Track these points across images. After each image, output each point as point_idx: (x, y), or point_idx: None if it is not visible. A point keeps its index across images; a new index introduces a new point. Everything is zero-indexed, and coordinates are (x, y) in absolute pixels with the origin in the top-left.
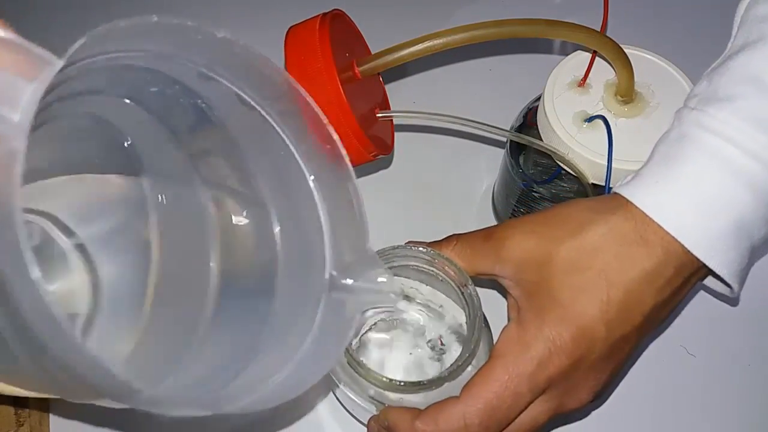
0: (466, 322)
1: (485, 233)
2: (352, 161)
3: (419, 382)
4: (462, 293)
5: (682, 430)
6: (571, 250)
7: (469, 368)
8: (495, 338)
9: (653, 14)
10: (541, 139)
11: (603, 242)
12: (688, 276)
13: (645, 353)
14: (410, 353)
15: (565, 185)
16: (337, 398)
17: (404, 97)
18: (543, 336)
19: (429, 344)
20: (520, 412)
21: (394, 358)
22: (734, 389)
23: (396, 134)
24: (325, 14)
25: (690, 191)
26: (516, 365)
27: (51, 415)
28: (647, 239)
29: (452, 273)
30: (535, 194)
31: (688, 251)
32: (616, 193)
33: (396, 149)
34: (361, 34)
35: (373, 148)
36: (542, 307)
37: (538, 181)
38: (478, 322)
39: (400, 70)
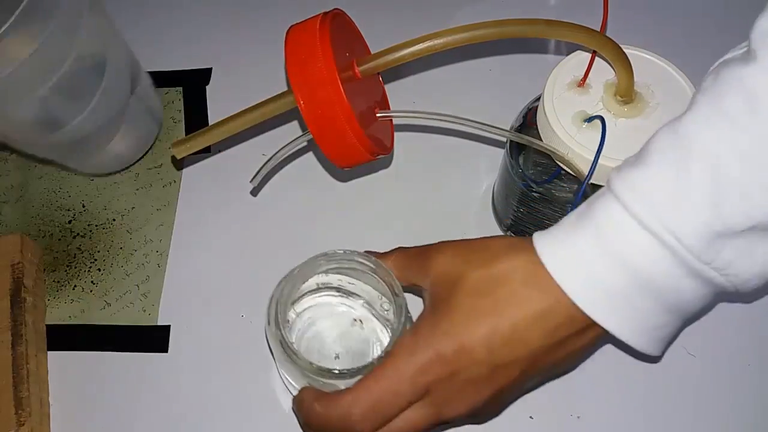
0: (391, 328)
1: (421, 249)
2: (352, 161)
3: (331, 369)
4: (394, 300)
5: (682, 430)
6: (479, 277)
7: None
8: None
9: (653, 14)
10: (541, 139)
11: (507, 277)
12: (583, 327)
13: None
14: (342, 340)
15: (564, 185)
16: (281, 377)
17: (404, 97)
18: (430, 345)
19: (355, 322)
20: (401, 410)
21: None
22: (734, 389)
23: (396, 134)
24: (325, 14)
25: (589, 250)
26: (402, 367)
27: (51, 415)
28: (542, 284)
29: (390, 282)
30: (535, 194)
31: (574, 303)
32: (526, 239)
33: (396, 149)
34: (361, 33)
35: (373, 147)
36: (438, 320)
37: (537, 181)
38: (402, 327)
39: (400, 70)
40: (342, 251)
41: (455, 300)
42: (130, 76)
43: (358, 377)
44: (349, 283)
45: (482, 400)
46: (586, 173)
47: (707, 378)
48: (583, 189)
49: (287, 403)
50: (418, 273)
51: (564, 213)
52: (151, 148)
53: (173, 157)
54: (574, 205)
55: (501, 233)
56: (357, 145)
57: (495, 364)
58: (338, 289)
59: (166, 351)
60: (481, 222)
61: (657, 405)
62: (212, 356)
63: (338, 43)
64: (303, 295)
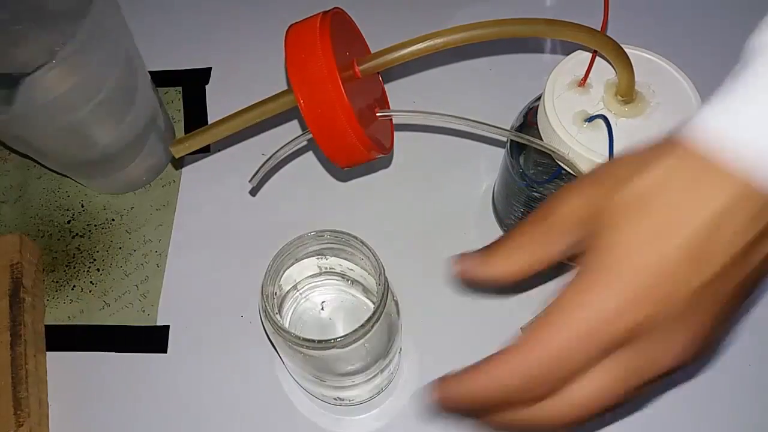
0: (374, 302)
1: (538, 215)
2: (352, 160)
3: (317, 339)
4: (378, 278)
5: (682, 430)
6: (627, 197)
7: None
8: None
9: (654, 14)
10: (542, 139)
11: (664, 185)
12: None
13: None
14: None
15: (565, 185)
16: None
17: (404, 97)
18: (609, 291)
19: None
20: (584, 370)
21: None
22: (735, 389)
23: (396, 134)
24: (325, 12)
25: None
26: (577, 322)
27: (49, 416)
28: (712, 176)
29: (374, 262)
30: (536, 194)
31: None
32: (665, 139)
33: (396, 149)
34: (361, 33)
35: (373, 146)
36: (605, 261)
37: (538, 181)
38: (382, 303)
39: (400, 70)
40: (330, 230)
41: (613, 233)
42: (152, 105)
43: (353, 346)
44: (349, 269)
45: (696, 334)
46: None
47: (708, 378)
48: None
49: (287, 403)
50: (547, 240)
51: None
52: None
53: (172, 156)
54: None
55: (501, 234)
56: (357, 144)
57: (695, 284)
58: (343, 276)
59: (165, 351)
60: (481, 222)
61: (657, 405)
62: (211, 357)
63: (338, 42)
64: (306, 277)
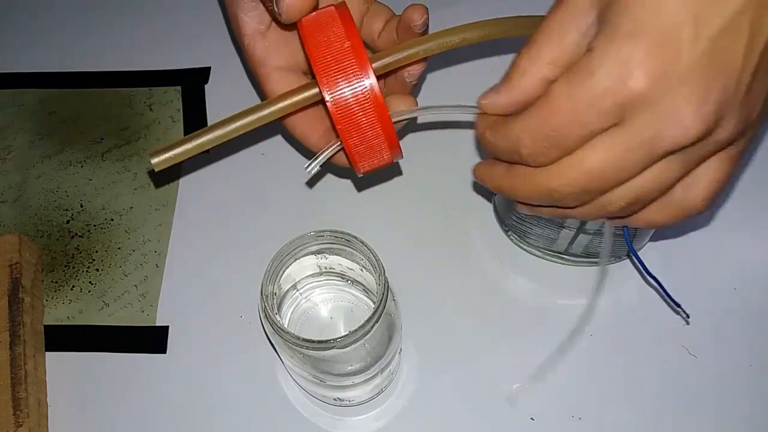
0: (374, 301)
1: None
2: (374, 162)
3: (317, 340)
4: (378, 278)
5: (683, 430)
6: None
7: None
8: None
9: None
10: None
11: None
12: None
13: (646, 353)
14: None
15: None
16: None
17: None
18: (609, 59)
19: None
20: (590, 137)
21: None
22: (736, 390)
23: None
24: (334, 5)
25: None
26: (579, 90)
27: (49, 416)
28: None
29: (374, 262)
30: None
31: None
32: None
33: None
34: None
35: (398, 146)
36: (608, 27)
37: None
38: (382, 303)
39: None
40: (330, 230)
41: (619, 6)
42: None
43: (353, 346)
44: (349, 269)
45: (706, 92)
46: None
47: (708, 378)
48: None
49: (287, 404)
50: (565, 27)
51: None
52: None
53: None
54: None
55: (502, 234)
56: (385, 145)
57: (706, 35)
58: (342, 276)
59: (165, 352)
60: (481, 222)
61: (658, 406)
62: (211, 357)
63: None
64: (306, 277)
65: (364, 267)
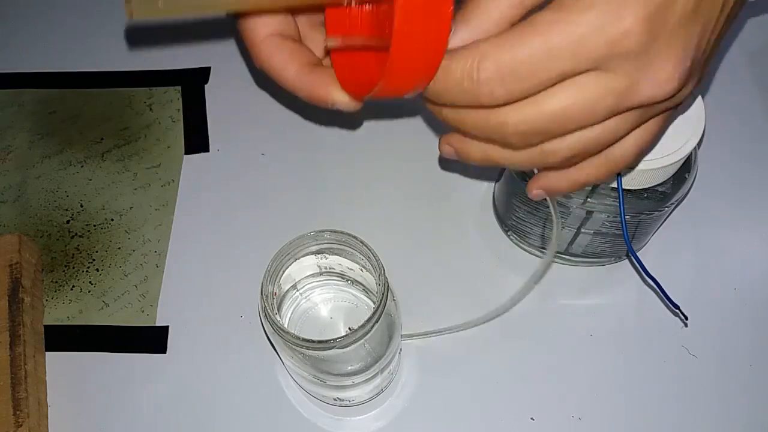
0: (374, 301)
1: None
2: (417, 79)
3: (317, 340)
4: (378, 278)
5: (683, 430)
6: None
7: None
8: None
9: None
10: None
11: None
12: None
13: (646, 353)
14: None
15: None
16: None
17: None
18: (597, 6)
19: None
20: (560, 80)
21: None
22: (736, 390)
23: (396, 134)
24: None
25: None
26: (566, 25)
27: (49, 416)
28: None
29: (374, 262)
30: None
31: None
32: None
33: (396, 149)
34: None
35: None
36: None
37: None
38: (382, 303)
39: None
40: (330, 230)
41: None
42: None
43: (353, 346)
44: (349, 269)
45: (692, 46)
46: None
47: (709, 378)
48: (621, 197)
49: (287, 404)
50: None
51: (566, 213)
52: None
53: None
54: (622, 215)
55: (502, 234)
56: (424, 72)
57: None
58: (342, 276)
59: (165, 352)
60: (481, 222)
61: (658, 406)
62: (211, 357)
63: None
64: (306, 276)
65: (364, 267)
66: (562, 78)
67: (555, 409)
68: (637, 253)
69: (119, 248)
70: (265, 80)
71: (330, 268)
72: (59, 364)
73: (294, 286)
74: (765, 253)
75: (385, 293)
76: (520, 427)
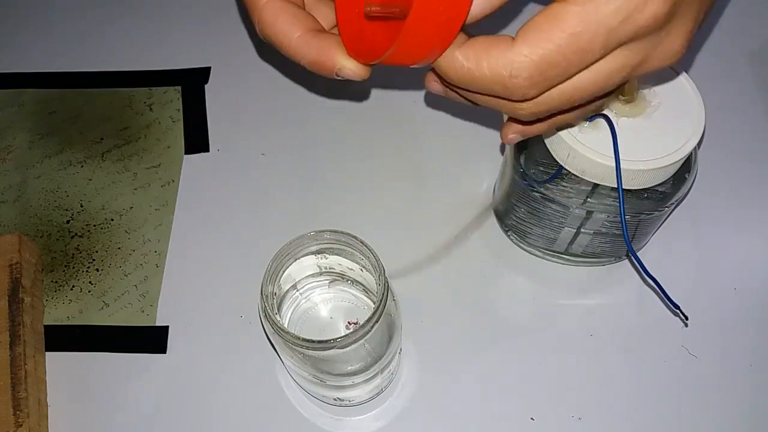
0: (375, 300)
1: None
2: (434, 47)
3: (317, 340)
4: (378, 278)
5: (683, 430)
6: None
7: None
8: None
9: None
10: (543, 140)
11: None
12: None
13: (646, 353)
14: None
15: (566, 185)
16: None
17: (403, 99)
18: None
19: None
20: (582, 71)
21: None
22: (736, 390)
23: (396, 133)
24: None
25: None
26: (596, 16)
27: (49, 416)
28: None
29: (374, 262)
30: (537, 194)
31: None
32: None
33: (396, 148)
34: None
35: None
36: None
37: (539, 181)
38: (382, 303)
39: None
40: (330, 230)
41: None
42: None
43: (353, 346)
44: (349, 269)
45: (696, 21)
46: (589, 173)
47: (709, 378)
48: (621, 197)
49: (287, 404)
50: None
51: (566, 212)
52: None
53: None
54: (622, 215)
55: (502, 234)
56: (442, 38)
57: None
58: (342, 276)
59: (165, 352)
60: (481, 222)
61: (658, 406)
62: (211, 357)
63: None
64: (306, 277)
65: (364, 267)
66: (594, 62)
67: (555, 409)
68: (637, 253)
69: (119, 248)
70: (269, 52)
71: (330, 268)
72: (59, 364)
73: (294, 286)
74: (765, 253)
75: (385, 293)
76: (520, 427)
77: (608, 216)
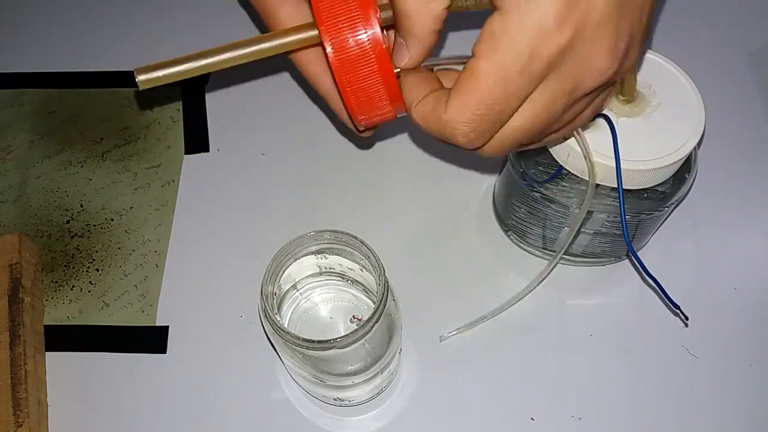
0: (375, 299)
1: None
2: (374, 114)
3: (317, 340)
4: (378, 278)
5: (683, 430)
6: None
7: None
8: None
9: (654, 12)
10: None
11: None
12: None
13: (646, 353)
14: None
15: (566, 185)
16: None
17: None
18: (529, 20)
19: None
20: (520, 105)
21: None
22: (736, 390)
23: (396, 134)
24: None
25: None
26: (504, 63)
27: (49, 416)
28: None
29: (374, 262)
30: (537, 194)
31: None
32: None
33: (396, 148)
34: None
35: (401, 99)
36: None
37: (539, 181)
38: (382, 303)
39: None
40: (330, 230)
41: None
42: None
43: (353, 346)
44: (349, 269)
45: (623, 34)
46: (589, 173)
47: (709, 378)
48: (621, 197)
49: (287, 404)
50: None
51: (566, 213)
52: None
53: (138, 93)
54: (622, 215)
55: (502, 234)
56: (386, 97)
57: None
58: (342, 276)
59: (165, 352)
60: (481, 222)
61: (658, 406)
62: (211, 357)
63: None
64: (306, 277)
65: (364, 267)
66: (523, 101)
67: (555, 409)
68: (637, 253)
69: (119, 248)
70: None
71: (330, 268)
72: (59, 364)
73: (294, 286)
74: (765, 253)
75: (385, 293)
76: (520, 427)
77: (608, 216)
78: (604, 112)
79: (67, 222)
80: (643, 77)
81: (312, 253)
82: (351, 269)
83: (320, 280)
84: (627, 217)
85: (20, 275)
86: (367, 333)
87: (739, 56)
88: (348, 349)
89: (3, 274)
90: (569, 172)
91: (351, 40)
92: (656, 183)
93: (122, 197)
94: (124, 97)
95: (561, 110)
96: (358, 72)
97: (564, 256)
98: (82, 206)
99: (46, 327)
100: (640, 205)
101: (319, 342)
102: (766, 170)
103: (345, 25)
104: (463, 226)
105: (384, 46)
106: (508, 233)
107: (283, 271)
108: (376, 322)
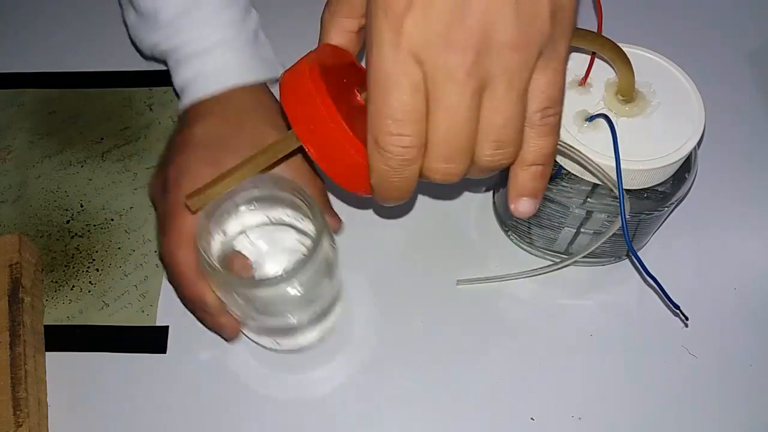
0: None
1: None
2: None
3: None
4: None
5: (683, 430)
6: None
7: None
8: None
9: (655, 13)
10: None
11: None
12: None
13: (646, 353)
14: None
15: (566, 185)
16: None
17: None
18: (389, 59)
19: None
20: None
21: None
22: (736, 390)
23: None
24: (311, 53)
25: None
26: (385, 108)
27: (49, 416)
28: None
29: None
30: None
31: None
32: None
33: None
34: (352, 58)
35: None
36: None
37: None
38: (317, 248)
39: None
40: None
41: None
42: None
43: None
44: (296, 220)
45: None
46: (589, 172)
47: (709, 378)
48: (621, 198)
49: (287, 404)
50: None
51: (566, 213)
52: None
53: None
54: (622, 215)
55: (502, 234)
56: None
57: None
58: (293, 227)
59: (165, 351)
60: (481, 222)
61: (658, 406)
62: (211, 357)
63: (332, 75)
64: (251, 225)
65: (305, 215)
66: (421, 114)
67: (555, 409)
68: (638, 253)
69: (119, 248)
70: None
71: (273, 218)
72: (59, 364)
73: (243, 233)
74: (765, 253)
75: (321, 237)
76: (520, 427)
77: (608, 216)
78: (603, 111)
79: (67, 222)
80: (643, 77)
81: (246, 202)
82: (289, 216)
83: (260, 228)
84: (627, 217)
85: (20, 275)
86: (299, 272)
87: (738, 56)
88: (281, 287)
89: (3, 274)
90: (569, 172)
91: (326, 143)
92: (656, 183)
93: (122, 197)
94: (124, 97)
95: (467, 108)
96: (338, 159)
97: (564, 256)
98: (82, 206)
99: (46, 327)
100: (640, 205)
101: (255, 281)
102: (766, 170)
103: (316, 129)
104: (463, 226)
105: (350, 135)
106: (508, 233)
107: (223, 225)
108: (310, 262)
